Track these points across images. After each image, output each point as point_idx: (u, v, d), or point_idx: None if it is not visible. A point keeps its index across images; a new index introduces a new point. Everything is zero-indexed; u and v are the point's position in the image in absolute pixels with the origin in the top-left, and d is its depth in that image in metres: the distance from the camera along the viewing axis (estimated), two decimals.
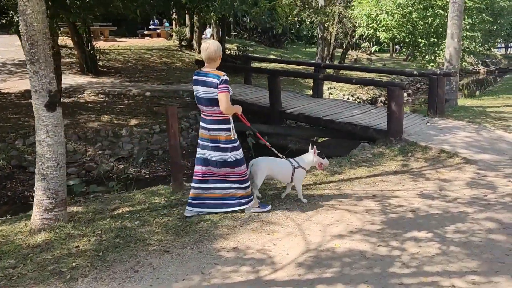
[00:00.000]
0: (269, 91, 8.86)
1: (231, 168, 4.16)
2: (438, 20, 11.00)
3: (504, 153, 6.33)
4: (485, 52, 11.65)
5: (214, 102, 4.01)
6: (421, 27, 11.33)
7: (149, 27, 25.82)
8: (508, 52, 41.85)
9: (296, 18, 15.45)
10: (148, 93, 11.22)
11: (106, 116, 9.51)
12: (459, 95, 11.44)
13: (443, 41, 11.37)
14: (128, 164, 8.38)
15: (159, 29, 25.14)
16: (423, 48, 11.62)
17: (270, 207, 4.45)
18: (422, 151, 6.30)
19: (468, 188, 4.96)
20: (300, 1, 15.39)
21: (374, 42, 12.47)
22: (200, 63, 11.12)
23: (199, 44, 20.09)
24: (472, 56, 11.86)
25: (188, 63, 18.52)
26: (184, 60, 19.11)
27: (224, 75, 4.02)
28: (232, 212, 4.28)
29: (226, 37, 27.64)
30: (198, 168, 4.24)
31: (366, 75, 17.21)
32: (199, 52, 19.32)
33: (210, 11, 9.62)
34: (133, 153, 8.66)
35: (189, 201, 4.28)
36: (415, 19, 11.07)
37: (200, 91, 4.06)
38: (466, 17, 11.28)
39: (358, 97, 15.89)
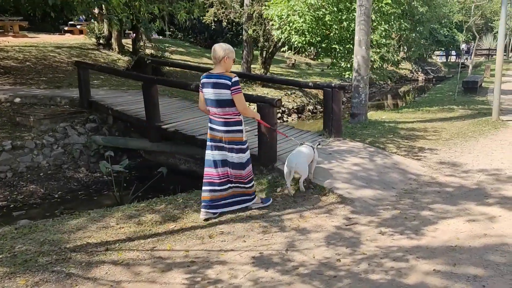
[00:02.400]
0: (144, 102, 7.43)
1: (240, 170, 4.33)
2: (353, 25, 9.98)
3: (393, 187, 5.24)
4: (398, 61, 10.76)
5: (224, 103, 4.13)
6: (336, 32, 10.28)
7: (69, 22, 23.70)
8: (449, 60, 42.59)
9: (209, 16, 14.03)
10: (18, 99, 9.47)
11: None
12: (380, 106, 10.48)
13: None
14: None
15: (80, 25, 23.07)
16: (338, 55, 10.57)
17: (271, 200, 4.68)
18: (294, 185, 5.08)
19: (324, 245, 3.75)
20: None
21: (292, 47, 11.32)
22: (78, 64, 9.54)
23: (119, 43, 18.36)
24: (391, 64, 10.94)
25: (102, 64, 16.74)
26: (98, 60, 17.26)
27: (235, 76, 4.12)
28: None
29: (160, 37, 26.04)
30: (211, 170, 4.30)
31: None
32: (120, 52, 17.64)
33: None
34: None
35: (204, 203, 4.30)
36: (329, 22, 10.02)
37: (210, 93, 4.13)
38: (383, 22, 10.36)
39: (283, 106, 14.75)
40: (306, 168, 4.79)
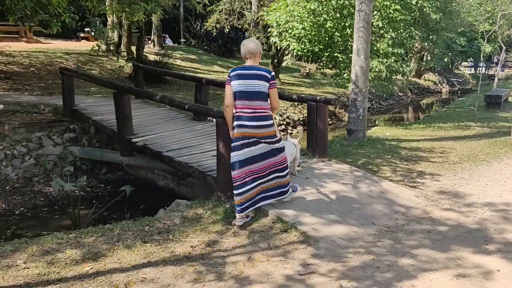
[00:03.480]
0: (116, 113, 6.82)
1: (281, 153, 4.28)
2: None
3: (373, 222, 4.41)
4: (406, 72, 9.79)
5: (261, 96, 4.06)
6: (339, 40, 9.47)
7: (85, 29, 23.65)
8: (478, 72, 40.81)
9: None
10: (1, 106, 9.05)
11: None
12: (396, 119, 9.54)
13: None
14: None
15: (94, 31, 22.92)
16: (341, 65, 9.74)
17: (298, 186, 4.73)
18: (253, 217, 4.32)
19: None
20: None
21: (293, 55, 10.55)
22: (62, 71, 9.02)
23: (128, 50, 18.04)
24: (402, 75, 10.01)
25: (108, 71, 16.40)
26: (105, 67, 16.94)
27: (272, 71, 4.17)
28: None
29: (175, 43, 25.65)
30: (238, 172, 4.12)
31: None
32: (129, 58, 17.16)
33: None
34: None
35: (238, 208, 4.14)
36: (330, 29, 9.22)
37: (253, 84, 4.03)
38: (391, 30, 9.48)
39: (288, 117, 13.99)
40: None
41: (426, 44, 10.93)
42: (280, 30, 9.82)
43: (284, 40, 9.88)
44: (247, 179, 4.14)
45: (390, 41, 9.39)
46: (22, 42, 19.63)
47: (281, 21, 9.48)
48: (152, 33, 23.51)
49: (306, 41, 9.49)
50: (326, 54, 10.01)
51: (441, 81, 32.02)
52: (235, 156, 4.12)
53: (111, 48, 18.79)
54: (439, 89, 29.53)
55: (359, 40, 7.52)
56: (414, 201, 5.06)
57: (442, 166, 6.54)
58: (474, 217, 4.64)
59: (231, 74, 4.10)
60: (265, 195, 4.30)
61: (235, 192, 4.14)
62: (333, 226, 4.19)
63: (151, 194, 7.47)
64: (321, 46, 9.93)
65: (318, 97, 5.92)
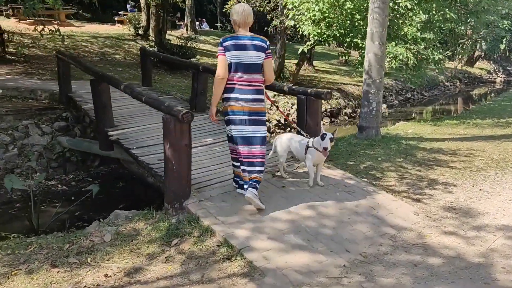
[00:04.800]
0: (93, 103, 6.25)
1: (263, 145, 3.99)
2: None
3: (347, 249, 3.53)
4: (441, 61, 8.50)
5: (256, 68, 3.86)
6: (361, 23, 8.40)
7: (119, 13, 23.50)
8: None
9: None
10: None
11: None
12: (438, 111, 8.36)
13: (386, 45, 8.40)
14: None
15: (126, 15, 22.74)
16: (363, 52, 8.66)
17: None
18: (198, 237, 3.57)
19: None
20: None
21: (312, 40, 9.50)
22: (57, 54, 8.57)
23: (156, 33, 17.54)
24: (434, 64, 8.75)
25: (133, 55, 16.03)
26: (130, 51, 16.61)
27: (267, 39, 3.97)
28: None
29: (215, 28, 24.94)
30: (244, 148, 3.89)
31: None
32: (157, 43, 16.63)
33: None
34: None
35: (255, 184, 3.86)
36: (350, 11, 8.15)
37: (250, 55, 3.79)
38: (421, 12, 8.27)
39: None
40: (279, 149, 4.58)
41: (462, 28, 9.56)
42: (296, 13, 8.86)
43: (301, 23, 8.91)
44: (235, 155, 4.02)
45: (419, 25, 8.19)
46: (54, 25, 19.71)
47: (296, 1, 8.52)
48: (185, 17, 23.02)
49: (323, 24, 8.49)
50: (347, 39, 8.95)
51: (496, 70, 29.46)
52: (235, 130, 3.90)
53: (140, 32, 18.48)
54: (492, 79, 27.15)
55: (373, 23, 6.48)
56: (410, 220, 4.11)
57: (461, 174, 5.46)
58: (481, 246, 3.65)
59: (224, 43, 3.79)
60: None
61: (245, 168, 3.92)
62: (293, 253, 3.37)
63: (143, 190, 6.93)
64: (342, 31, 8.88)
65: (309, 90, 5.03)
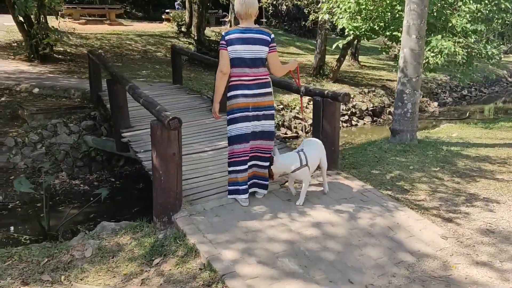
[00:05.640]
0: (109, 104, 6.10)
1: (271, 140, 3.91)
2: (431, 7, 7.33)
3: (350, 280, 3.02)
4: (496, 55, 7.52)
5: (260, 62, 3.71)
6: (402, 15, 7.63)
7: (166, 11, 23.73)
8: None
9: None
10: (36, 90, 8.97)
11: None
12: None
13: (431, 38, 7.61)
14: None
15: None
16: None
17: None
18: (182, 257, 3.21)
19: None
20: None
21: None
22: (88, 53, 8.58)
23: (198, 30, 17.47)
24: (487, 59, 7.80)
25: None
26: None
27: (271, 32, 3.81)
28: None
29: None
30: (239, 146, 3.78)
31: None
32: (198, 40, 16.63)
33: None
34: None
35: (243, 187, 3.84)
36: (390, 2, 7.42)
37: (253, 50, 3.66)
38: (471, 0, 7.40)
39: (354, 106, 12.34)
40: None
41: None
42: (331, 5, 8.28)
43: (336, 17, 8.31)
44: (243, 158, 3.83)
45: (469, 15, 7.34)
46: (105, 24, 20.22)
47: None
48: (230, 12, 22.83)
49: (359, 17, 7.85)
50: (387, 33, 8.25)
51: None
52: (235, 129, 3.77)
53: (182, 29, 18.49)
54: None
55: (410, 15, 5.81)
56: (435, 245, 3.51)
57: (508, 188, 4.72)
58: None
59: (226, 37, 3.66)
60: (253, 182, 4.01)
61: (234, 168, 3.85)
62: (283, 282, 2.92)
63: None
64: (381, 24, 8.19)
65: (325, 91, 4.51)
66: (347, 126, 11.72)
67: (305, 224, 3.61)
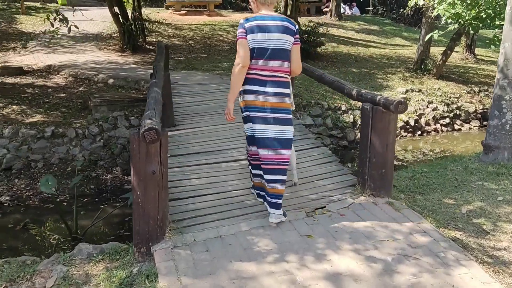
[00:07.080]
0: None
1: (289, 149, 3.32)
2: None
3: None
4: None
5: (284, 55, 3.23)
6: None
7: None
8: None
9: None
10: (111, 81, 9.05)
11: (14, 107, 7.74)
12: None
13: None
14: None
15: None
16: None
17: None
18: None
19: None
20: None
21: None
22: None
23: (295, 20, 16.73)
24: None
25: None
26: None
27: (295, 23, 3.40)
28: None
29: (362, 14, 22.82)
30: (264, 152, 3.25)
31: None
32: None
33: None
34: (2, 162, 6.69)
35: (275, 200, 3.24)
36: None
37: (276, 39, 3.18)
38: None
39: (459, 107, 10.61)
40: None
41: None
42: None
43: (432, 2, 6.94)
44: (257, 162, 3.41)
45: None
46: (203, 15, 20.47)
47: None
48: (331, 1, 21.62)
49: (459, 3, 6.43)
50: (496, 22, 6.68)
51: None
52: (254, 130, 3.29)
53: None
54: None
55: None
56: None
57: None
58: None
59: (246, 25, 3.21)
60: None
61: (269, 177, 3.27)
62: None
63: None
64: (489, 11, 6.66)
65: (377, 98, 3.47)
66: (447, 131, 10.10)
67: (318, 274, 2.71)
